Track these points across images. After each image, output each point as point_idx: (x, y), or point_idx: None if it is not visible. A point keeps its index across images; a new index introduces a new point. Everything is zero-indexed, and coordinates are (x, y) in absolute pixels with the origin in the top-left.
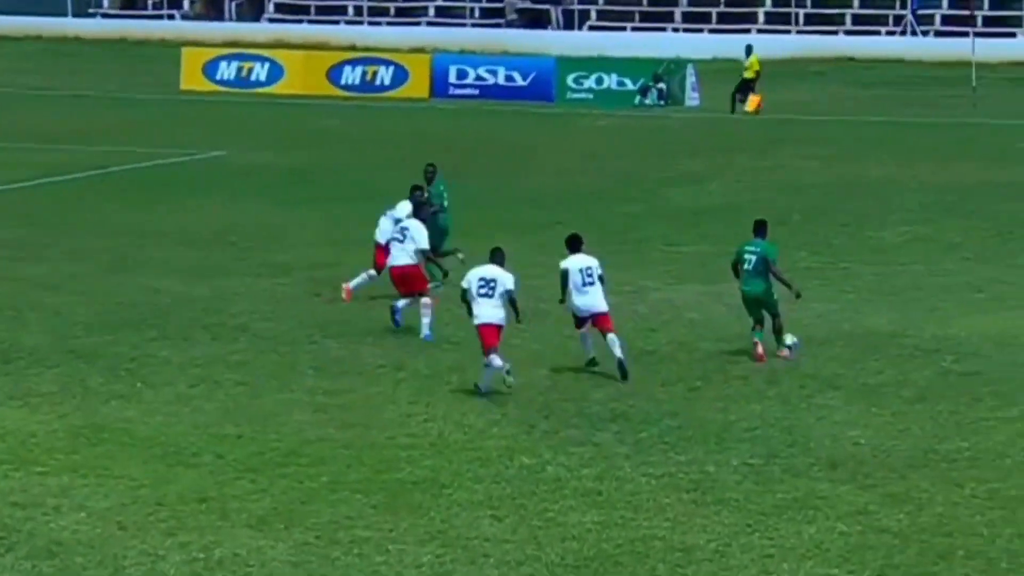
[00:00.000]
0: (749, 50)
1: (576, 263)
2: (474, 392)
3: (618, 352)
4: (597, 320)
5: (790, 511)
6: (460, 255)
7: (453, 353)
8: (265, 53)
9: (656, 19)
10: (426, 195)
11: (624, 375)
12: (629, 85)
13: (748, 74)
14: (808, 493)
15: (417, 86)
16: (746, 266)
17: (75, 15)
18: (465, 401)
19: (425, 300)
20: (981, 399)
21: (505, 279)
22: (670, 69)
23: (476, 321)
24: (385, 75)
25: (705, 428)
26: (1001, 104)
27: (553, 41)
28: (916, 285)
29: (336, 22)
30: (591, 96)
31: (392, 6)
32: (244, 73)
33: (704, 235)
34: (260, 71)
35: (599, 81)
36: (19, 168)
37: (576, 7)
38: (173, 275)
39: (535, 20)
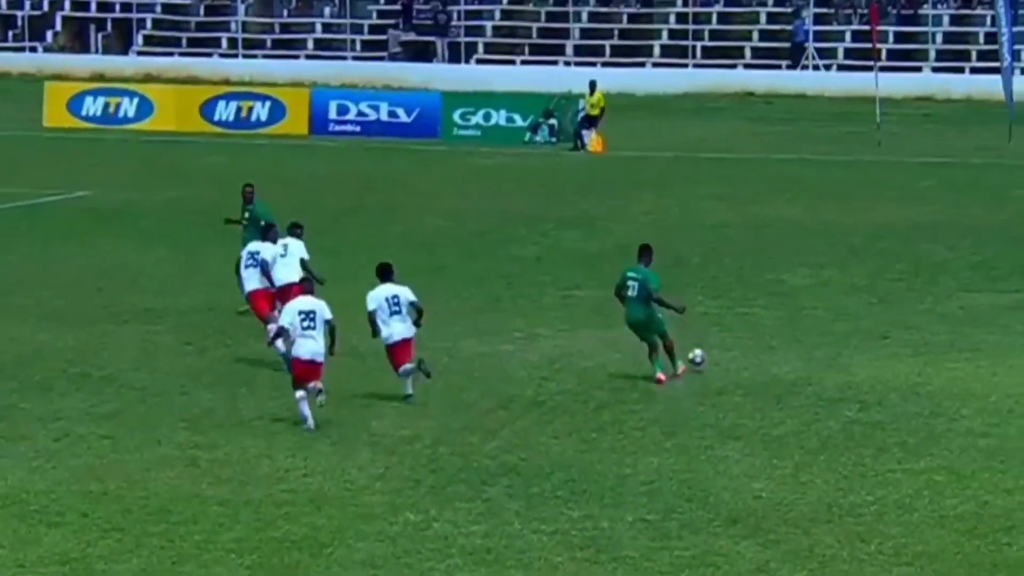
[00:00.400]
0: (593, 86)
1: (383, 293)
2: (355, 445)
3: (409, 389)
4: (397, 349)
5: (688, 569)
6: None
7: (334, 405)
8: (133, 88)
9: (547, 52)
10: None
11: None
12: (518, 121)
13: (593, 111)
14: (707, 550)
15: (295, 122)
16: (629, 292)
17: None
18: (347, 455)
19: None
20: (887, 450)
21: (323, 309)
22: (561, 104)
23: (296, 353)
24: (261, 111)
25: (600, 482)
26: (906, 141)
27: (438, 75)
28: (819, 331)
29: (209, 54)
30: (479, 133)
31: (268, 38)
32: (111, 109)
33: (600, 279)
34: (128, 107)
35: (487, 117)
36: None
37: (462, 39)
38: (35, 323)
39: (419, 53)
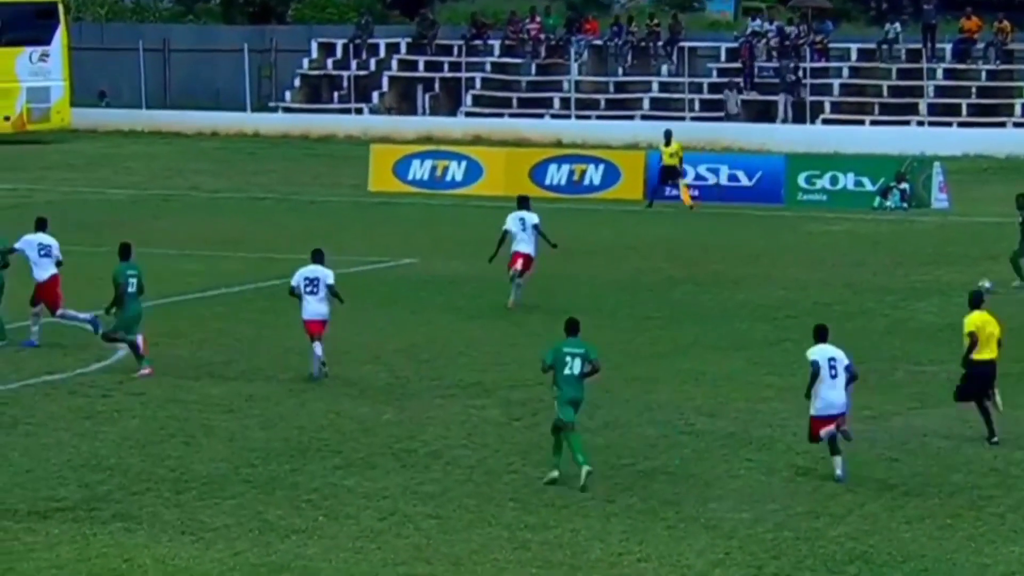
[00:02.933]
0: (669, 135)
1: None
2: (692, 528)
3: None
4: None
5: None
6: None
7: (670, 485)
8: (462, 150)
9: (898, 111)
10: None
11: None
12: (868, 185)
13: (672, 161)
14: None
15: (630, 186)
16: (130, 289)
17: (254, 109)
18: (683, 539)
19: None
20: None
21: (326, 275)
22: (914, 167)
23: (304, 316)
24: (594, 174)
25: (956, 572)
26: None
27: (782, 137)
28: None
29: (540, 115)
30: (825, 198)
31: (602, 98)
32: (439, 172)
33: (955, 354)
34: (456, 170)
35: (834, 181)
36: (192, 277)
37: (808, 99)
38: (359, 397)
39: (761, 113)
